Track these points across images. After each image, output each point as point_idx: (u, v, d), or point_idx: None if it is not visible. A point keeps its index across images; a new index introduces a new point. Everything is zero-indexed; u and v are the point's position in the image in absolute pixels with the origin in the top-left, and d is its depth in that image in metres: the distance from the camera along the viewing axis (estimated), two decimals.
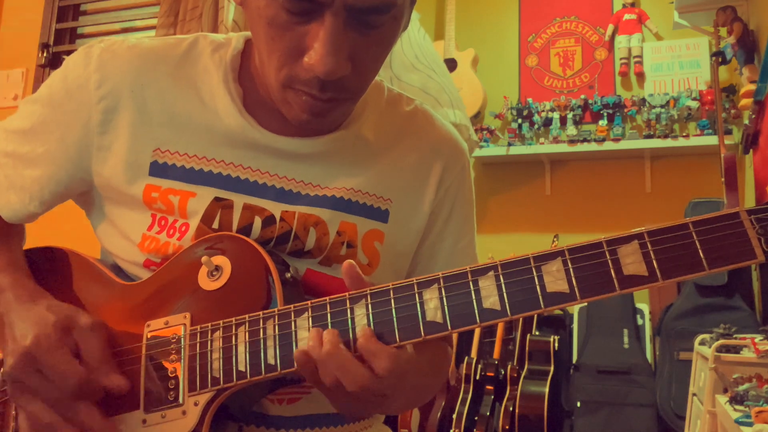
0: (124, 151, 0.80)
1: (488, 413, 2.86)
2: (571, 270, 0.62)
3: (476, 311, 0.63)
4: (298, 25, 0.69)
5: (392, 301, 0.66)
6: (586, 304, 3.03)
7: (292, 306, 0.70)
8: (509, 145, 3.34)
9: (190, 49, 0.85)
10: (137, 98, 0.81)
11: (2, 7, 3.51)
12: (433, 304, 0.65)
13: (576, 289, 0.61)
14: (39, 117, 0.84)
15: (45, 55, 3.30)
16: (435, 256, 0.91)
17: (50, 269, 0.84)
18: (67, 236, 1.05)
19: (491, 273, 0.64)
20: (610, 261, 0.61)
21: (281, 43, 0.70)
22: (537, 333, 3.07)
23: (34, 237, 0.92)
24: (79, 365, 0.71)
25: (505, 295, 0.63)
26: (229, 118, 0.81)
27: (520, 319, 3.10)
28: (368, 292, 0.67)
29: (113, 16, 3.39)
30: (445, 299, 0.64)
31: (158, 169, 0.80)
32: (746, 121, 2.57)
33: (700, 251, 0.59)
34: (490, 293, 0.63)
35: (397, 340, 0.65)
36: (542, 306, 0.62)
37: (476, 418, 2.84)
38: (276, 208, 0.80)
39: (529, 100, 3.44)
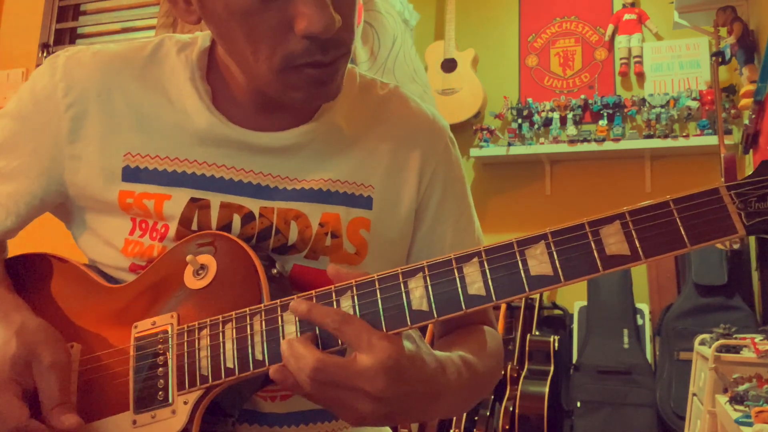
0: (96, 158, 0.80)
1: (488, 413, 2.85)
2: (554, 253, 0.62)
3: (461, 298, 0.63)
4: (271, 2, 0.68)
5: (378, 291, 0.66)
6: (586, 303, 3.04)
7: (278, 301, 0.69)
8: (509, 145, 3.34)
9: (156, 51, 0.84)
10: (104, 103, 0.80)
11: (2, 7, 3.51)
12: (418, 293, 0.65)
13: (560, 272, 0.61)
14: (9, 132, 0.83)
15: (45, 55, 3.30)
16: (440, 240, 0.89)
17: (34, 276, 0.83)
18: (56, 242, 1.04)
19: (475, 259, 0.64)
20: (592, 242, 0.61)
21: (264, 27, 0.69)
22: (537, 333, 3.07)
23: (24, 244, 0.91)
24: (21, 410, 0.68)
25: (489, 280, 0.63)
26: (198, 117, 0.80)
27: (520, 319, 3.12)
28: (353, 283, 0.67)
29: (113, 16, 3.39)
30: (430, 287, 0.64)
31: (130, 174, 0.79)
32: (746, 121, 2.57)
33: (681, 228, 0.59)
34: (474, 279, 0.63)
35: (384, 329, 0.65)
36: (527, 289, 0.62)
37: (476, 418, 2.84)
38: (254, 205, 0.80)
39: (529, 100, 3.44)
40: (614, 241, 0.61)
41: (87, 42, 3.43)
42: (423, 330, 0.95)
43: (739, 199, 0.59)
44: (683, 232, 0.59)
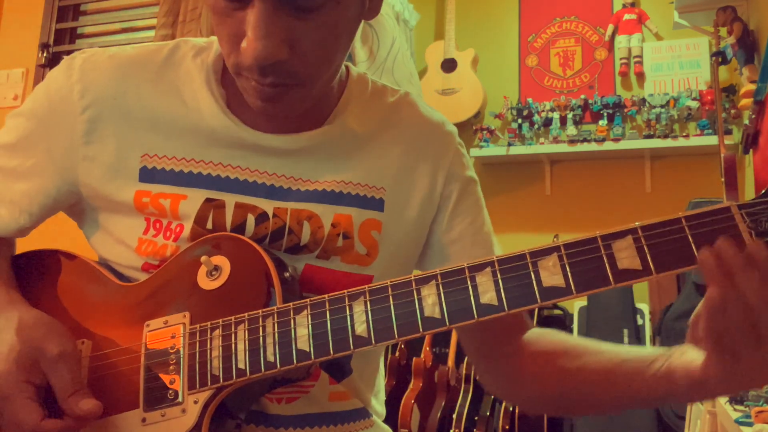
0: (112, 159, 0.81)
1: (488, 413, 2.86)
2: (566, 265, 0.63)
3: (474, 306, 0.64)
4: (235, 11, 0.69)
5: (390, 298, 0.67)
6: (586, 303, 3.04)
7: (291, 304, 0.70)
8: (509, 145, 3.34)
9: (171, 54, 0.85)
10: (120, 106, 0.81)
11: (2, 7, 3.51)
12: (431, 300, 0.66)
13: (572, 284, 0.63)
14: (24, 131, 0.84)
15: (45, 55, 3.30)
16: (458, 241, 0.90)
17: (45, 273, 0.84)
18: (68, 239, 1.04)
19: (488, 269, 0.65)
20: (604, 256, 0.62)
21: (225, 30, 0.71)
22: None
23: (36, 241, 0.92)
24: (34, 412, 0.68)
25: (502, 290, 0.64)
26: (213, 119, 0.81)
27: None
28: (366, 289, 0.68)
29: (113, 16, 3.39)
30: (442, 295, 0.65)
31: (147, 175, 0.80)
32: (746, 121, 2.57)
33: (692, 245, 0.61)
34: (487, 289, 0.64)
35: (396, 336, 0.66)
36: (538, 300, 0.63)
37: (476, 418, 2.84)
38: (268, 205, 0.81)
39: (529, 100, 3.44)
40: (626, 255, 0.62)
41: (87, 42, 3.42)
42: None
43: (750, 218, 0.60)
44: (694, 249, 0.60)
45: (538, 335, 0.88)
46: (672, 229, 0.62)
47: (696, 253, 0.60)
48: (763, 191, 0.61)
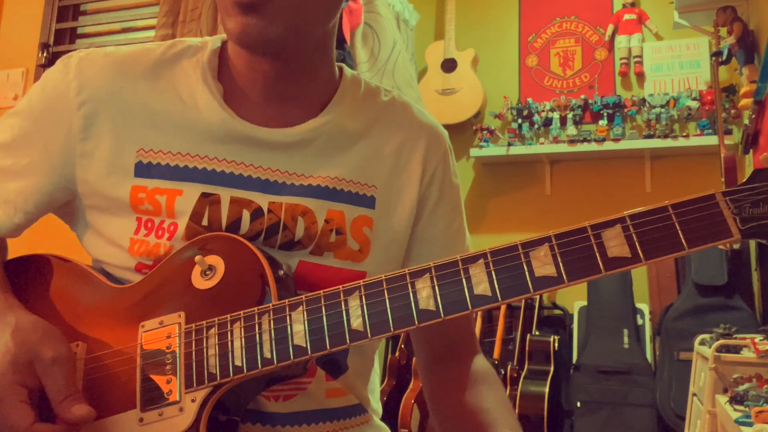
0: (108, 155, 0.81)
1: None
2: (558, 254, 0.64)
3: (468, 298, 0.65)
4: None
5: (385, 291, 0.68)
6: (586, 303, 3.04)
7: (287, 301, 0.70)
8: (509, 145, 3.35)
9: (167, 52, 0.86)
10: (117, 102, 0.82)
11: (2, 7, 3.51)
12: (425, 293, 0.66)
13: (563, 273, 0.64)
14: (20, 129, 0.84)
15: (45, 55, 3.30)
16: (432, 241, 0.92)
17: (38, 277, 0.83)
18: (58, 243, 1.04)
19: (481, 261, 0.66)
20: (594, 245, 0.64)
21: None
22: (537, 333, 3.07)
23: (26, 245, 0.91)
24: (26, 415, 0.68)
25: (495, 281, 0.65)
26: (209, 113, 0.82)
27: (520, 319, 3.12)
28: (361, 284, 0.69)
29: (113, 16, 3.39)
30: (437, 287, 0.66)
31: (143, 170, 0.81)
32: (746, 121, 2.57)
33: (679, 232, 0.62)
34: (480, 280, 0.65)
35: (392, 329, 0.66)
36: (531, 290, 0.64)
37: None
38: (263, 200, 0.81)
39: (529, 100, 3.44)
40: (615, 244, 0.63)
41: (87, 42, 3.43)
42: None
43: (734, 204, 0.62)
44: (681, 236, 0.62)
45: (484, 384, 0.91)
46: (659, 217, 0.63)
47: (683, 239, 0.62)
48: (745, 179, 0.63)
